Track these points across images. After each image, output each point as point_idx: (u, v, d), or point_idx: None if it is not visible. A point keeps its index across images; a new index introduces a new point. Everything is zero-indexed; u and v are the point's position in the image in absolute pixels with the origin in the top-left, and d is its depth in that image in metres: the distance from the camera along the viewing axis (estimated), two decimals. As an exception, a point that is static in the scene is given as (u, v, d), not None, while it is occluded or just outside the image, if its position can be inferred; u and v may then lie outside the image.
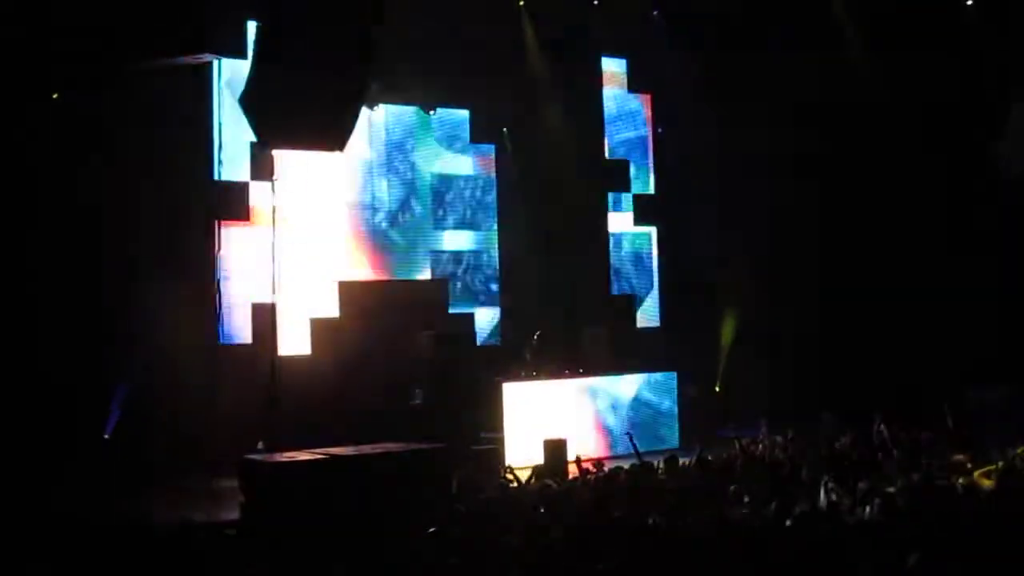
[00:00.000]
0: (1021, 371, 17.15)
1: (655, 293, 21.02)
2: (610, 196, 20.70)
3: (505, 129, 19.36)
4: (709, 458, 12.35)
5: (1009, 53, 17.85)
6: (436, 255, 18.77)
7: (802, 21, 18.99)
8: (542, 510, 9.78)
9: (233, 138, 16.36)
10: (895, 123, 19.03)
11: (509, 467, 12.40)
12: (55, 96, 14.93)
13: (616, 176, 20.78)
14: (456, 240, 19.06)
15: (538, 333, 17.30)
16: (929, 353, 18.28)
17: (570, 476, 13.10)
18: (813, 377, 18.75)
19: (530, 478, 12.14)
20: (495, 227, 19.46)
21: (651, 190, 21.13)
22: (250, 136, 15.16)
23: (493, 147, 19.45)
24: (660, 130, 21.13)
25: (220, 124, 16.33)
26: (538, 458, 14.23)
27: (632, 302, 20.77)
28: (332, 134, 13.06)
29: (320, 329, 17.09)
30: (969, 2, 18.76)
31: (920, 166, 19.06)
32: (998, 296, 18.59)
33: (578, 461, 12.95)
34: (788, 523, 8.34)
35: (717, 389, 20.07)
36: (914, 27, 18.50)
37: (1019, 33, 17.90)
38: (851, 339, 19.18)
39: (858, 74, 19.11)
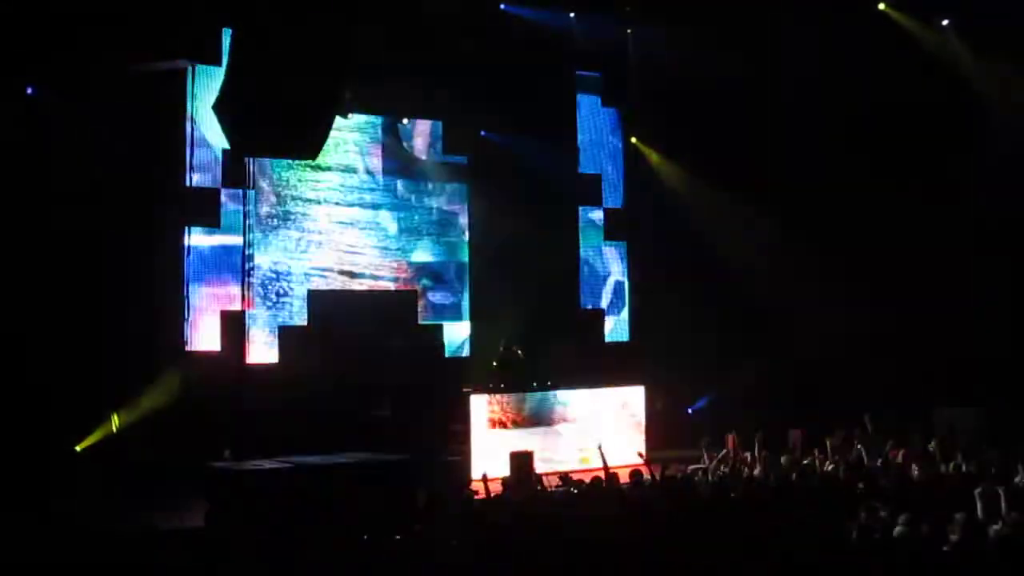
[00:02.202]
0: (991, 393, 17.32)
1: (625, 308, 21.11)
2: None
3: (483, 132, 19.40)
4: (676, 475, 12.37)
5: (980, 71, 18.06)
6: (405, 265, 18.81)
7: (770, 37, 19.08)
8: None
9: (206, 144, 16.37)
10: (868, 142, 19.16)
11: (484, 476, 12.36)
12: (28, 91, 14.93)
13: (588, 190, 20.89)
14: (426, 251, 19.10)
15: (503, 343, 17.32)
16: (899, 373, 18.40)
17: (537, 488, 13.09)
18: (784, 394, 18.81)
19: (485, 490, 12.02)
20: (466, 238, 19.50)
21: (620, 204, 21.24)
22: (223, 143, 15.15)
23: (465, 159, 19.48)
24: (633, 140, 21.20)
25: (193, 130, 16.33)
26: (504, 470, 14.23)
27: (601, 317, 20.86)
28: (305, 142, 13.05)
29: (288, 337, 17.08)
30: (944, 23, 18.93)
31: (893, 183, 19.18)
32: (972, 318, 18.71)
33: (539, 478, 12.93)
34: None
35: (690, 411, 20.10)
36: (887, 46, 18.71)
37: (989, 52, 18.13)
38: (823, 356, 19.25)
39: (831, 91, 19.23)
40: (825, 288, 19.50)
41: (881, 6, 19.12)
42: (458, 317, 19.26)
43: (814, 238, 19.71)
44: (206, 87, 16.15)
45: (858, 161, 19.21)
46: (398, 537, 9.10)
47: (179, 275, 16.27)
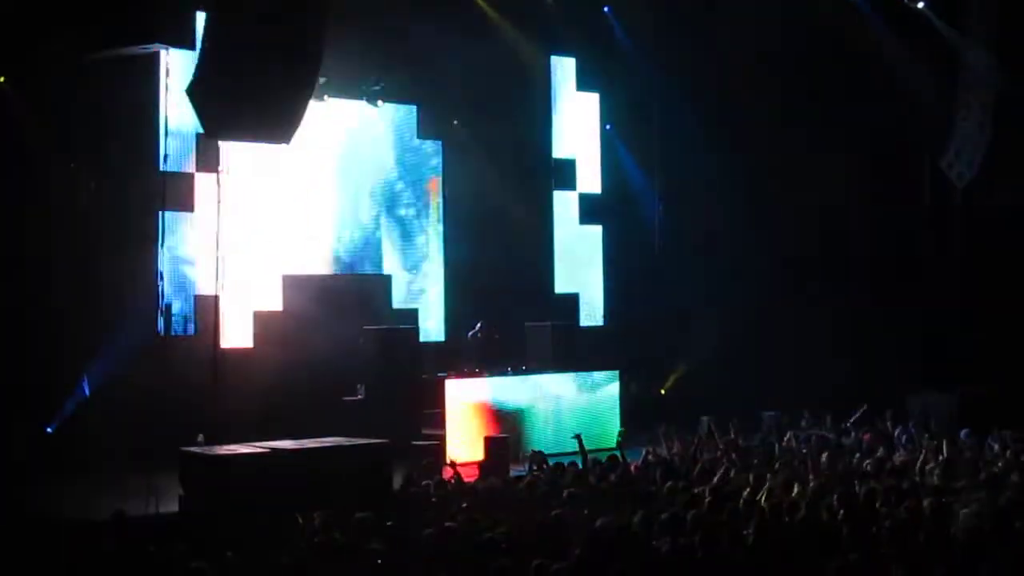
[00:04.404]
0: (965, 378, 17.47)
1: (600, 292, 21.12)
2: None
3: (456, 122, 19.34)
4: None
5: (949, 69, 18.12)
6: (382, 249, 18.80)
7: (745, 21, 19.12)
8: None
9: (179, 129, 16.29)
10: (841, 133, 19.25)
11: (452, 461, 12.43)
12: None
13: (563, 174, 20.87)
14: (403, 235, 19.08)
15: (480, 324, 17.36)
16: (873, 358, 18.52)
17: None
18: (757, 378, 18.90)
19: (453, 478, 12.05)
20: (442, 223, 19.47)
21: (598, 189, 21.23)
22: (197, 127, 15.08)
23: (440, 143, 19.45)
24: (609, 127, 21.21)
25: (166, 115, 16.24)
26: (479, 455, 14.28)
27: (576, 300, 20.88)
28: (279, 126, 13.00)
29: (263, 322, 17.03)
30: (920, 4, 18.87)
31: (865, 171, 19.29)
32: (945, 304, 18.85)
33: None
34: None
35: (663, 392, 20.17)
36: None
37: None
38: (796, 341, 19.35)
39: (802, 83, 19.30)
40: (801, 271, 19.66)
41: None
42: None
43: (788, 222, 19.83)
44: (180, 71, 16.05)
45: (832, 146, 19.32)
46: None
47: (153, 260, 16.20)
